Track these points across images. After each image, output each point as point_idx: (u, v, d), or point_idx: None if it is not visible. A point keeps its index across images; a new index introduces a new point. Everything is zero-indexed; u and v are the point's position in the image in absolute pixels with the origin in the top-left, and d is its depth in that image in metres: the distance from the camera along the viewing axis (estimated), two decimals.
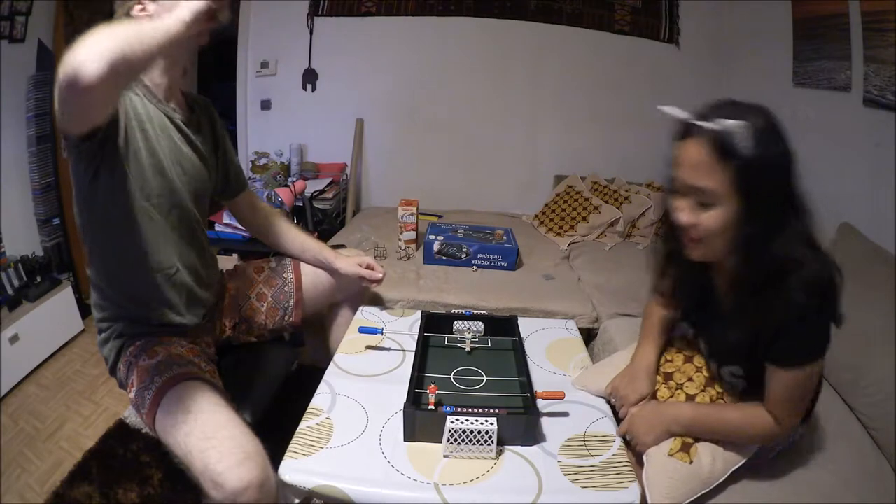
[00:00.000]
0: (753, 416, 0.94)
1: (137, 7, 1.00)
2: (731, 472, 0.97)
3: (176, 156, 1.10)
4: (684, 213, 0.84)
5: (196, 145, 1.16)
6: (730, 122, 0.76)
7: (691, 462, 0.96)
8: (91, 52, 0.69)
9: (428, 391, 1.00)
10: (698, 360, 1.12)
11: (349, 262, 1.44)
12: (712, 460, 0.97)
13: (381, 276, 1.48)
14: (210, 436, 0.89)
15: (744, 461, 0.98)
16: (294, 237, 1.45)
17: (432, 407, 0.98)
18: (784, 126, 0.80)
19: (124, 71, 0.73)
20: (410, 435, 0.99)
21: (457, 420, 0.93)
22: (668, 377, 1.12)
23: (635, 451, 1.03)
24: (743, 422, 0.96)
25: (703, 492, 0.96)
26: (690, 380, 1.09)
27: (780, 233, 0.79)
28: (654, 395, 1.11)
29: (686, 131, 0.82)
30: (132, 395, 1.05)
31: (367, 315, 1.47)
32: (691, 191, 0.82)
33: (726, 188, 0.79)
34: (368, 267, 1.46)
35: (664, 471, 0.96)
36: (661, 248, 1.03)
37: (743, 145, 0.75)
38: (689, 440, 0.99)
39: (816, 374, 0.90)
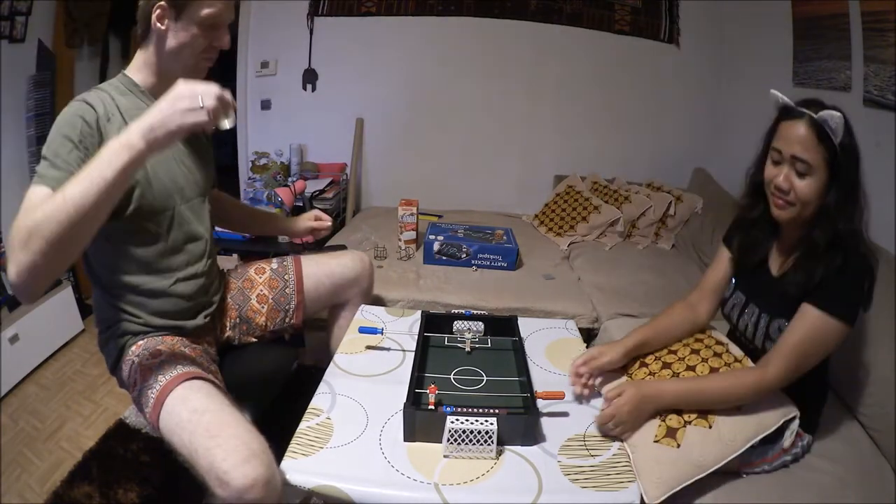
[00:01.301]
0: (737, 377, 1.02)
1: (157, 13, 1.00)
2: (728, 460, 0.96)
3: (176, 154, 1.11)
4: (784, 179, 0.98)
5: (193, 142, 1.16)
6: (831, 112, 0.91)
7: (679, 446, 0.96)
8: (18, 274, 0.78)
9: (428, 391, 1.00)
10: (705, 353, 1.13)
11: (297, 221, 1.51)
12: (702, 444, 0.96)
13: (328, 223, 1.52)
14: (215, 434, 0.89)
15: (741, 451, 0.96)
16: (241, 209, 1.50)
17: (432, 407, 0.98)
18: None
19: (63, 254, 0.80)
20: (410, 435, 0.99)
21: (457, 420, 0.93)
22: (666, 366, 1.14)
23: (619, 438, 1.04)
24: (728, 386, 1.01)
25: (697, 476, 0.94)
26: (690, 367, 1.11)
27: (850, 209, 0.96)
28: (626, 371, 1.18)
29: (793, 114, 0.97)
30: (135, 394, 1.05)
31: (368, 315, 1.47)
32: (793, 161, 0.96)
33: (820, 163, 0.94)
34: (317, 219, 1.51)
35: (652, 456, 0.96)
36: (741, 213, 1.17)
37: (837, 131, 0.91)
38: (675, 425, 0.99)
39: (826, 344, 0.97)
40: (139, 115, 1.03)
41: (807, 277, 0.97)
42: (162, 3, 0.98)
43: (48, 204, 0.78)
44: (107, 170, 0.78)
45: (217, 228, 2.24)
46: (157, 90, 1.09)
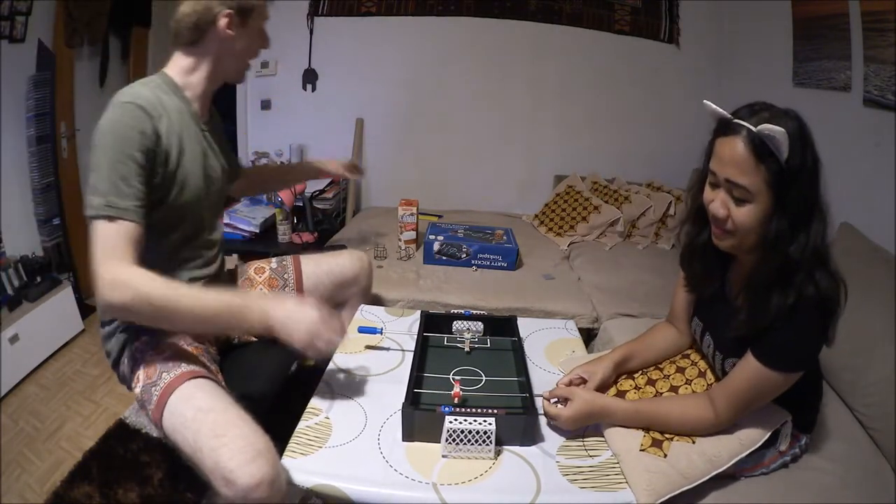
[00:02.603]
0: (691, 413, 0.97)
1: (224, 21, 1.04)
2: (714, 473, 0.94)
3: (204, 165, 1.14)
4: (720, 205, 0.88)
5: (216, 150, 1.19)
6: (772, 127, 0.77)
7: (665, 456, 0.95)
8: (104, 310, 0.89)
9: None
10: (690, 372, 1.12)
11: (335, 165, 1.66)
12: (688, 457, 0.95)
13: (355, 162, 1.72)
14: (221, 434, 0.89)
15: (727, 466, 0.94)
16: (274, 170, 1.62)
17: (457, 400, 0.99)
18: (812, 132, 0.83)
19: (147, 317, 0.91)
20: (409, 435, 0.99)
21: (455, 420, 0.93)
22: (651, 382, 1.13)
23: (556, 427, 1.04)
24: (681, 416, 0.98)
25: (685, 487, 0.92)
26: (674, 388, 1.10)
27: (802, 235, 0.83)
28: (612, 387, 1.14)
29: (728, 129, 0.84)
30: (138, 390, 1.05)
31: (367, 315, 1.47)
32: (729, 186, 0.85)
33: (761, 187, 0.82)
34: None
35: (641, 465, 0.94)
36: (687, 240, 1.06)
37: (781, 149, 0.78)
38: (659, 437, 0.98)
39: (775, 390, 0.91)
40: (181, 118, 1.07)
41: (754, 322, 0.88)
42: (229, 11, 1.03)
43: (165, 288, 0.90)
44: (214, 319, 0.94)
45: None
46: (199, 93, 1.12)
